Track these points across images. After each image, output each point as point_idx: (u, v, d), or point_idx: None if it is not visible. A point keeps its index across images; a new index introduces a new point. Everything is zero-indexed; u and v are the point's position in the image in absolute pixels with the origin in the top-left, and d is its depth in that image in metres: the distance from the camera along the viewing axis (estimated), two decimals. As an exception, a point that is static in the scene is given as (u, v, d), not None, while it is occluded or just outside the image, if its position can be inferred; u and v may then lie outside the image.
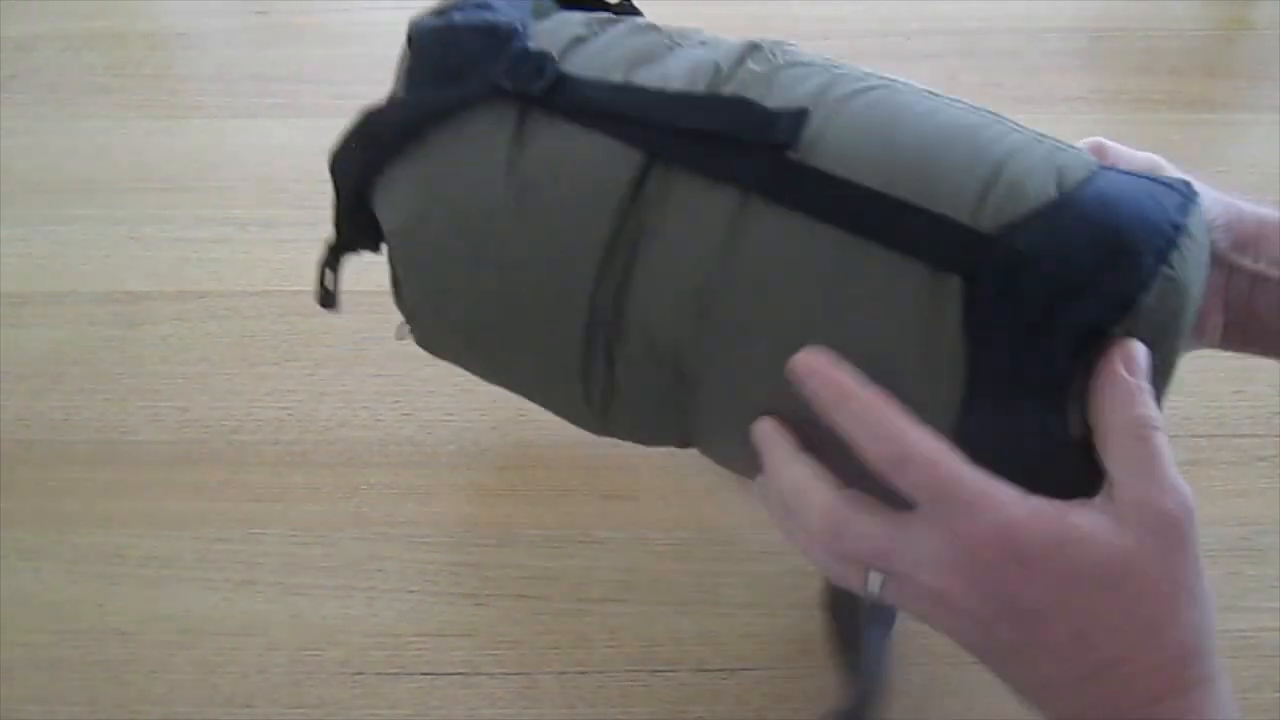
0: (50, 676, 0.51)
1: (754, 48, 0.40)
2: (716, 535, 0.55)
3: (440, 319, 0.44)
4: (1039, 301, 0.32)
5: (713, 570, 0.53)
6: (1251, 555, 0.54)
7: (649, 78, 0.39)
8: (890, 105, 0.37)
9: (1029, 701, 0.36)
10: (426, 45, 0.41)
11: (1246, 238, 0.40)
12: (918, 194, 0.34)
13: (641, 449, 0.58)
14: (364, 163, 0.42)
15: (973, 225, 0.33)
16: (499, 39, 0.40)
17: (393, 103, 0.42)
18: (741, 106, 0.37)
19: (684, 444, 0.44)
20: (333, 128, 0.74)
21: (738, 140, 0.36)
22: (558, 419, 0.59)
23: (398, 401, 0.61)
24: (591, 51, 0.40)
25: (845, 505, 0.35)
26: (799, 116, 0.36)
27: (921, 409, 0.34)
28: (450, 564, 0.55)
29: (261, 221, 0.70)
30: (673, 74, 0.39)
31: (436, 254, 0.41)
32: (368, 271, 0.66)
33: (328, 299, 0.48)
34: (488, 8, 0.41)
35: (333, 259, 0.46)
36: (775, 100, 0.37)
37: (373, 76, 0.78)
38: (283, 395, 0.61)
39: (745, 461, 0.39)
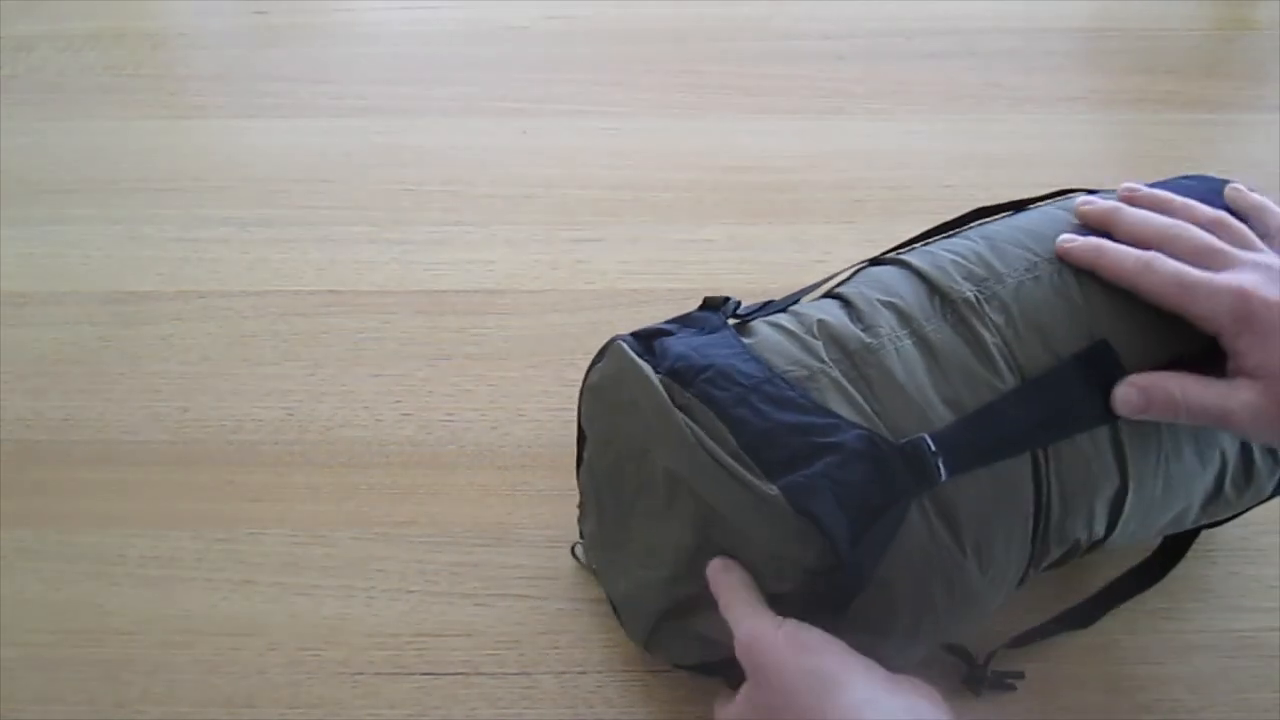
0: (50, 676, 0.51)
1: (960, 319, 0.44)
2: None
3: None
4: None
5: (713, 570, 0.53)
6: (1251, 555, 0.54)
7: (968, 395, 0.42)
8: None
9: None
10: (834, 508, 0.40)
11: None
12: None
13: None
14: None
15: None
16: (877, 453, 0.41)
17: (853, 567, 0.40)
18: (1064, 384, 0.42)
19: None
20: (333, 128, 0.75)
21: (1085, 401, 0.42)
22: (556, 419, 0.59)
23: (398, 401, 0.61)
24: (902, 403, 0.42)
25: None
26: (1105, 353, 0.43)
27: None
28: (450, 564, 0.55)
29: (261, 221, 0.70)
30: (959, 380, 0.43)
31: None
32: (368, 272, 0.67)
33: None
34: (823, 429, 0.41)
35: None
36: (1062, 345, 0.43)
37: (373, 76, 0.79)
38: (283, 395, 0.61)
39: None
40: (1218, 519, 0.49)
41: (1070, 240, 0.44)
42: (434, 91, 0.77)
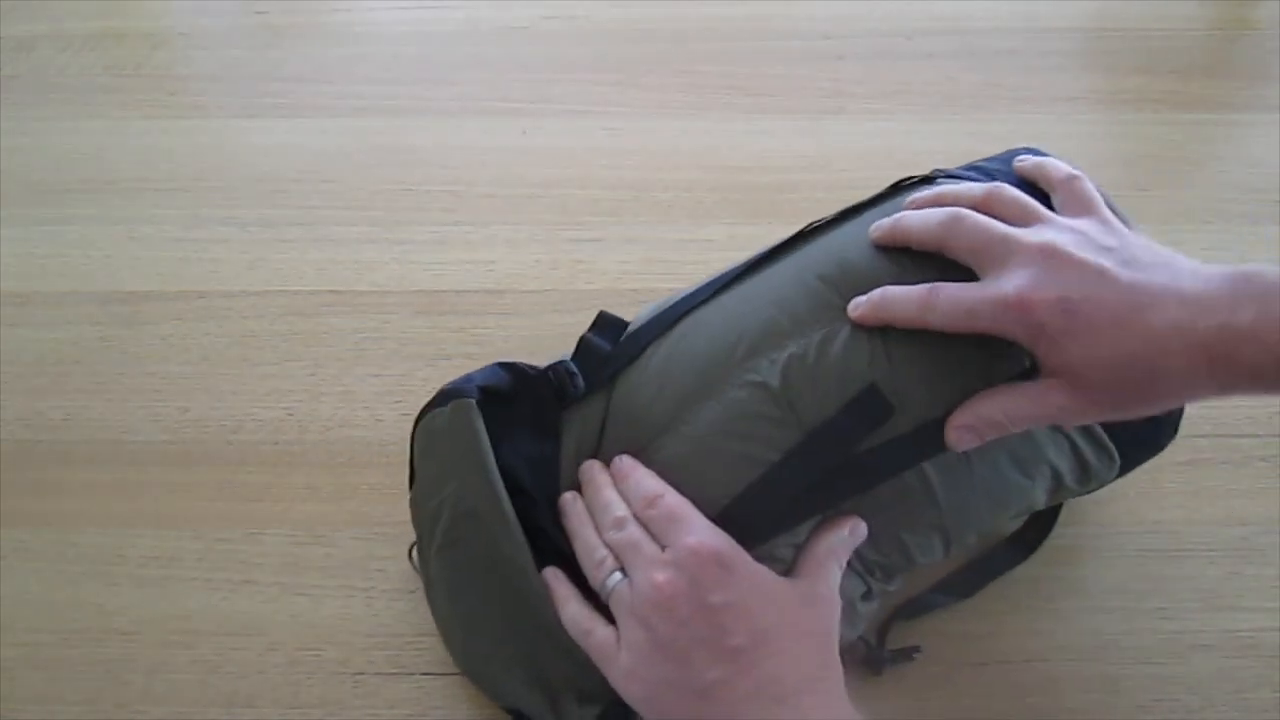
0: (50, 676, 0.52)
1: (751, 386, 0.45)
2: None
3: None
4: None
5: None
6: (1251, 555, 0.54)
7: (746, 468, 0.44)
8: None
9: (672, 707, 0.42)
10: None
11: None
12: None
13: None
14: None
15: None
16: None
17: None
18: (836, 439, 0.43)
19: None
20: (333, 128, 0.75)
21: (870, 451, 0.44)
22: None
23: (398, 401, 0.61)
24: (682, 487, 0.45)
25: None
26: (873, 399, 0.43)
27: None
28: (450, 564, 0.54)
29: (261, 221, 0.70)
30: (741, 452, 0.44)
31: None
32: (368, 272, 0.67)
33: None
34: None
35: None
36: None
37: (373, 76, 0.79)
38: (283, 395, 0.61)
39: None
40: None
41: (857, 306, 0.44)
42: (434, 91, 0.77)
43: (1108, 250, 0.41)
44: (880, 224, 0.46)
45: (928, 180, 0.50)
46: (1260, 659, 0.51)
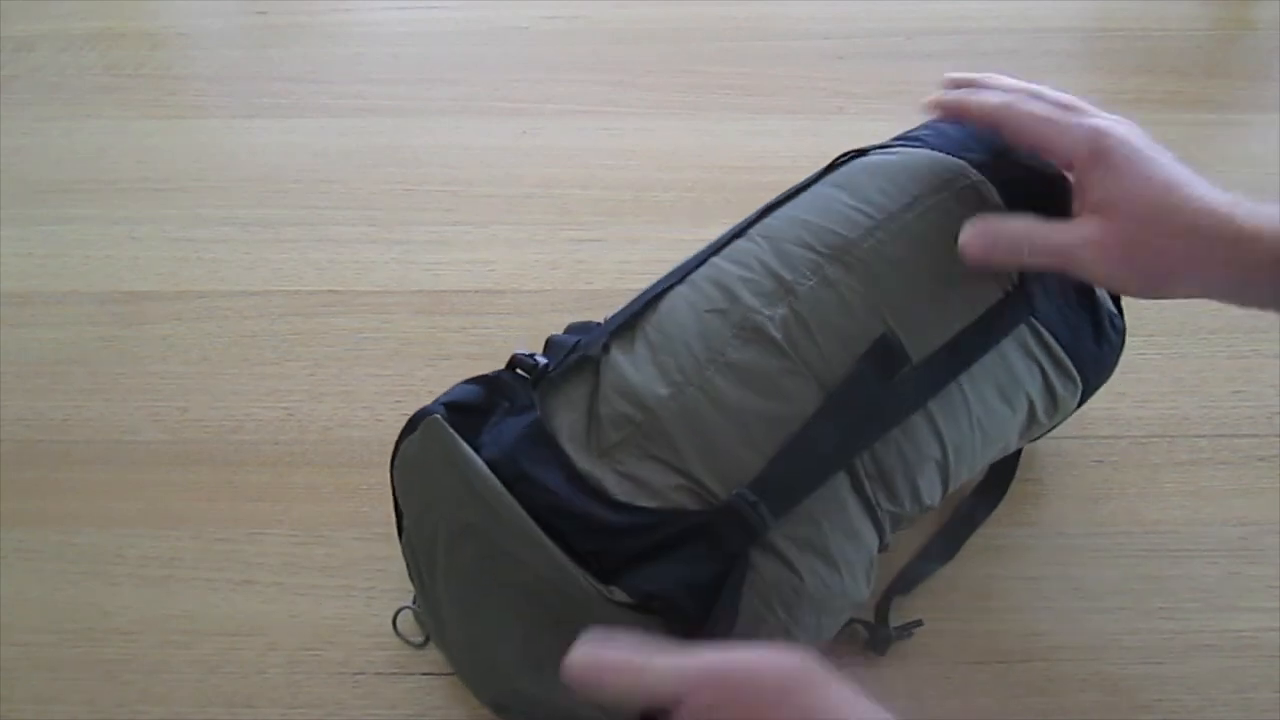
0: (50, 676, 0.52)
1: (756, 346, 0.44)
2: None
3: None
4: None
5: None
6: (1251, 555, 0.54)
7: (777, 427, 0.43)
8: None
9: None
10: (682, 599, 0.41)
11: None
12: None
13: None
14: None
15: None
16: (700, 527, 0.42)
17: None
18: (861, 389, 0.44)
19: None
20: (333, 128, 0.75)
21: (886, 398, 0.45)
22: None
23: (398, 401, 0.61)
24: (711, 456, 0.43)
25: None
26: (889, 346, 0.44)
27: None
28: (450, 564, 0.54)
29: (261, 221, 0.70)
30: (764, 413, 0.43)
31: None
32: (368, 272, 0.67)
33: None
34: (642, 529, 0.42)
35: None
36: (856, 347, 0.44)
37: (373, 76, 0.79)
38: (283, 395, 0.61)
39: None
40: (1035, 439, 0.53)
41: (938, 99, 0.48)
42: (434, 91, 0.77)
43: (1153, 145, 0.43)
44: (941, 99, 0.48)
45: (861, 153, 0.52)
46: (1260, 659, 0.51)
